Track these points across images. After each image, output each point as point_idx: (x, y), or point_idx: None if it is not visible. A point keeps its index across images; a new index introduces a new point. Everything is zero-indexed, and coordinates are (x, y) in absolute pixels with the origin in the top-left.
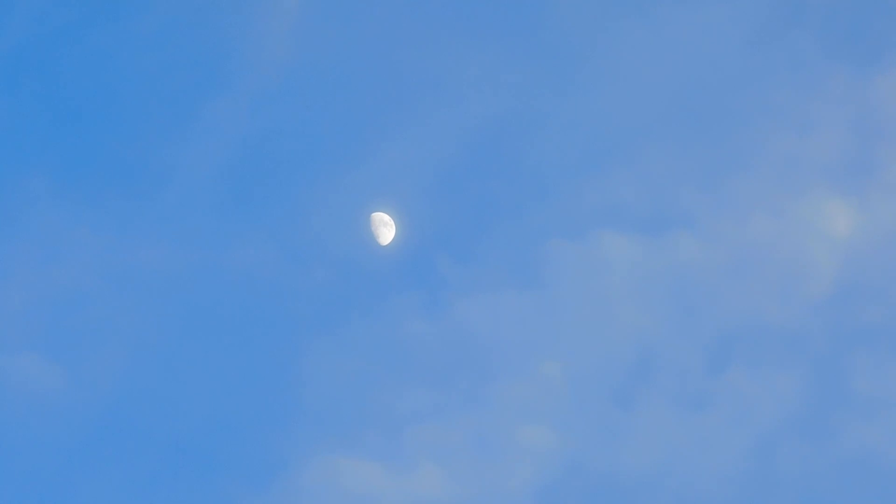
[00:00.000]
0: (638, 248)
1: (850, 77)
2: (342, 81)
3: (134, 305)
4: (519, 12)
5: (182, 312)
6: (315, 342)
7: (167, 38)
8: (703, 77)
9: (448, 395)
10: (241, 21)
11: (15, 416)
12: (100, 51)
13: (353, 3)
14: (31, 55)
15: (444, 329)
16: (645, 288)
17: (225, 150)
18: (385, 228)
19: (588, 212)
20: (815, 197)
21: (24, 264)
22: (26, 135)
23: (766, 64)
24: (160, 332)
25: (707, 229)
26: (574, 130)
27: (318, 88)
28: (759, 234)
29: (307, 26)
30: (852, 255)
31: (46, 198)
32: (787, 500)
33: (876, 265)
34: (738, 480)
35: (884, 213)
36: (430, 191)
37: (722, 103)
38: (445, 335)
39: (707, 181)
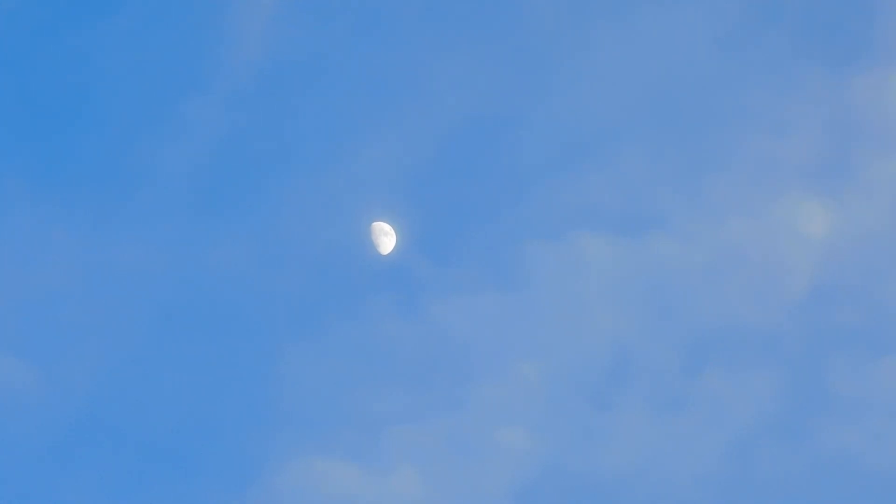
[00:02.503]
0: (614, 249)
1: (826, 78)
2: (319, 82)
3: (111, 306)
4: (494, 12)
5: (159, 313)
6: (292, 343)
7: (144, 38)
8: (679, 78)
9: (425, 397)
10: (218, 21)
11: None
12: (76, 50)
13: (329, 2)
14: (5, 54)
15: (420, 330)
16: (621, 289)
17: (202, 151)
18: (386, 238)
19: (564, 213)
20: (790, 198)
21: None
22: (1, 134)
23: (742, 65)
24: (137, 333)
25: (683, 230)
26: (550, 131)
27: (294, 89)
28: (735, 235)
29: (284, 26)
30: (828, 255)
31: (22, 198)
32: (763, 501)
33: (852, 266)
34: (714, 481)
35: (859, 213)
36: (407, 192)
37: (697, 104)
38: (422, 337)
39: (683, 182)
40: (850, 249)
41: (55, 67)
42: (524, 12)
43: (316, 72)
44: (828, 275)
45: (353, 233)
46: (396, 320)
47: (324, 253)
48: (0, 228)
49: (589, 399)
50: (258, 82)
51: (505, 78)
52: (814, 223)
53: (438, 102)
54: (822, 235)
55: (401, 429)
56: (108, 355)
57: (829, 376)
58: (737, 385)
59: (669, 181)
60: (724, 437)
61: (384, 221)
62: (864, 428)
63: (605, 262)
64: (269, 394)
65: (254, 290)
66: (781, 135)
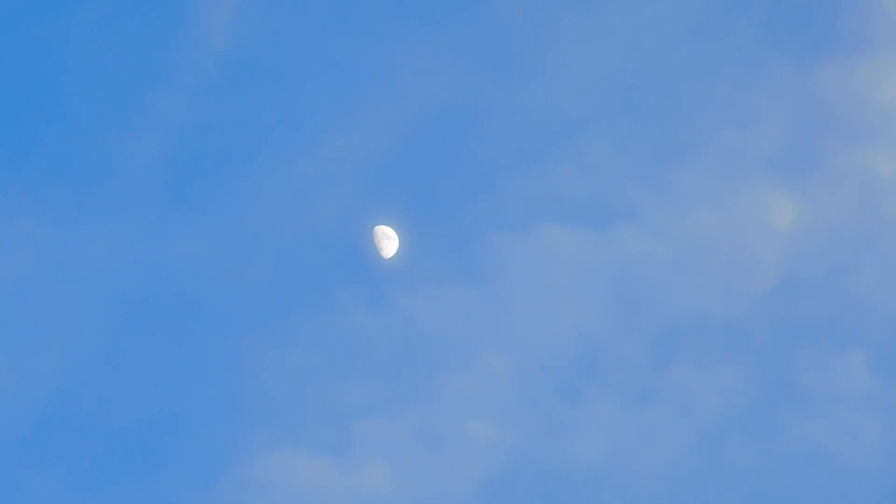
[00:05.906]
0: (581, 241)
1: (792, 69)
2: (283, 73)
3: (76, 299)
4: (462, 3)
5: (125, 306)
6: (261, 336)
7: (111, 29)
8: (645, 69)
9: (394, 390)
10: (186, 12)
11: None
12: (42, 42)
13: None
14: None
15: (389, 323)
16: (589, 281)
17: (170, 142)
18: (388, 241)
19: (531, 205)
20: (757, 189)
21: None
22: None
23: (708, 56)
24: (105, 326)
25: (650, 222)
26: (516, 123)
27: (262, 80)
28: (703, 227)
29: (252, 17)
30: (795, 247)
31: None
32: (731, 493)
33: (819, 258)
34: (682, 474)
35: (826, 205)
36: (374, 184)
37: (664, 95)
38: (391, 329)
39: (650, 174)
40: (817, 240)
41: (20, 59)
42: (492, 3)
43: (283, 64)
44: (795, 266)
45: (321, 225)
46: (365, 313)
47: (292, 245)
48: None
49: (557, 391)
50: (226, 74)
51: (473, 69)
52: (781, 214)
53: (406, 95)
54: (790, 226)
55: (370, 421)
56: (76, 349)
57: (796, 368)
58: (705, 377)
59: (637, 173)
60: (693, 429)
61: (385, 224)
62: (832, 419)
63: (572, 255)
64: (239, 387)
65: (222, 282)
66: (748, 126)
